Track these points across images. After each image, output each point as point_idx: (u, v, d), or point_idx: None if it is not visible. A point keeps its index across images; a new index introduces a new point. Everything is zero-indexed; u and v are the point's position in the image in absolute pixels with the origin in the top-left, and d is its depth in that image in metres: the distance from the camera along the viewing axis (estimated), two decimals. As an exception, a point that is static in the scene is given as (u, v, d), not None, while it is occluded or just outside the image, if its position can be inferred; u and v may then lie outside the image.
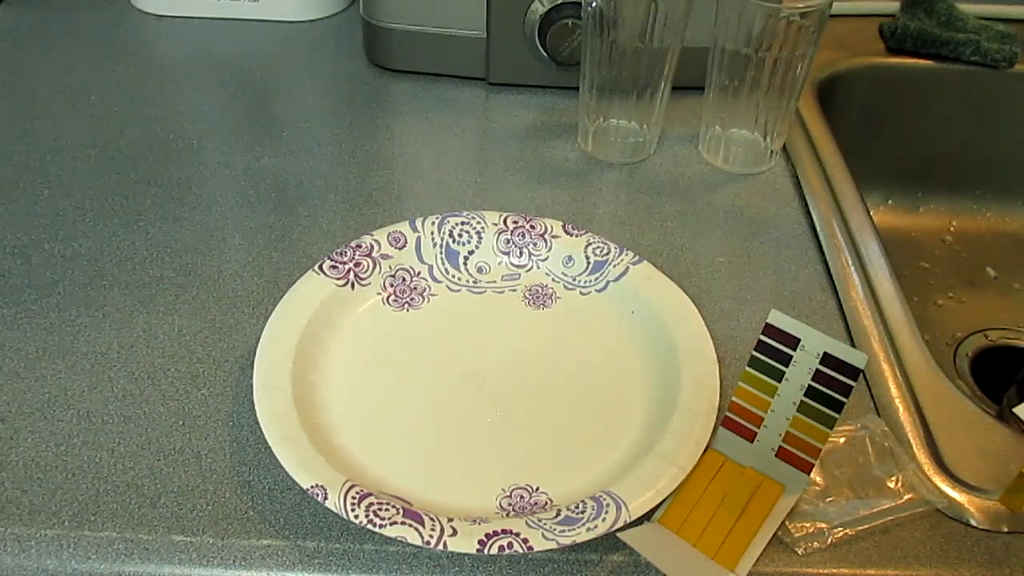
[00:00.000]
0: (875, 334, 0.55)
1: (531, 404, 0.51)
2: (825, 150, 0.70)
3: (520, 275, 0.58)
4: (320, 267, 0.55)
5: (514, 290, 0.57)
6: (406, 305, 0.56)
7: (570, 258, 0.58)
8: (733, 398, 0.47)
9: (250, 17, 0.84)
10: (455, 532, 0.42)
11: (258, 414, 0.47)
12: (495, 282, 0.58)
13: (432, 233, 0.58)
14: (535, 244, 0.58)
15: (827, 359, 0.45)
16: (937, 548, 0.45)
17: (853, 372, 0.44)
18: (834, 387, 0.45)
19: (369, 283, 0.56)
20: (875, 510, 0.46)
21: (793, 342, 0.45)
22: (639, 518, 0.44)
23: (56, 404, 0.50)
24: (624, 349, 0.54)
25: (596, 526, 0.43)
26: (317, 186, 0.66)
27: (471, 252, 0.58)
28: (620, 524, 0.43)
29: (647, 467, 0.46)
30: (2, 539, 0.44)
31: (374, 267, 0.56)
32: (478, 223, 0.59)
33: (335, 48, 0.81)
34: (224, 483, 0.47)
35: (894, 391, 0.52)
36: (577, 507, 0.44)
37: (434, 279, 0.57)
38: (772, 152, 0.69)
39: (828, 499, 0.46)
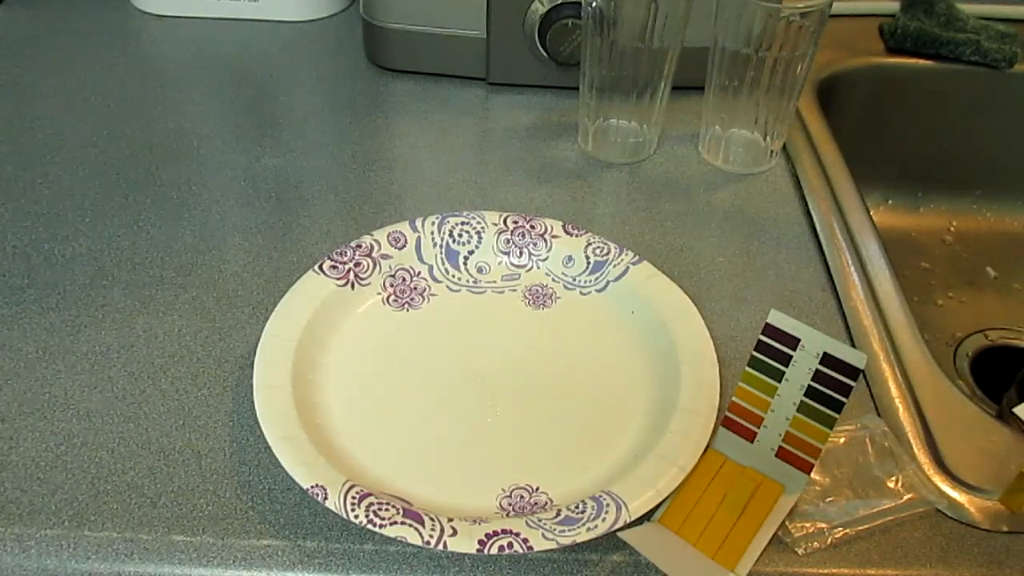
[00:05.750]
0: (875, 334, 0.55)
1: (531, 404, 0.51)
2: (825, 150, 0.70)
3: (520, 275, 0.58)
4: (320, 267, 0.55)
5: (514, 290, 0.57)
6: (406, 305, 0.56)
7: (570, 258, 0.58)
8: (733, 398, 0.47)
9: (250, 17, 0.84)
10: (455, 532, 0.42)
11: (258, 414, 0.47)
12: (495, 282, 0.58)
13: (432, 233, 0.58)
14: (535, 244, 0.58)
15: (827, 359, 0.45)
16: (937, 548, 0.45)
17: (853, 372, 0.44)
18: (834, 387, 0.45)
19: (369, 283, 0.56)
20: (875, 510, 0.46)
21: (793, 342, 0.45)
22: (639, 518, 0.44)
23: (56, 404, 0.50)
24: (624, 349, 0.54)
25: (596, 526, 0.43)
26: (317, 186, 0.66)
27: (471, 252, 0.58)
28: (620, 524, 0.43)
29: (647, 467, 0.46)
30: (2, 539, 0.44)
31: (374, 267, 0.56)
32: (478, 223, 0.59)
33: (335, 48, 0.81)
34: (224, 483, 0.47)
35: (894, 391, 0.52)
36: (577, 507, 0.44)
37: (434, 279, 0.57)
38: (772, 152, 0.69)
39: (828, 499, 0.46)
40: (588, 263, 0.57)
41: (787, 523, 0.45)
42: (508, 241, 0.58)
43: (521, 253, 0.58)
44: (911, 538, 0.46)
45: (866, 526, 0.46)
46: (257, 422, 0.47)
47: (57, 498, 0.46)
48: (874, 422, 0.50)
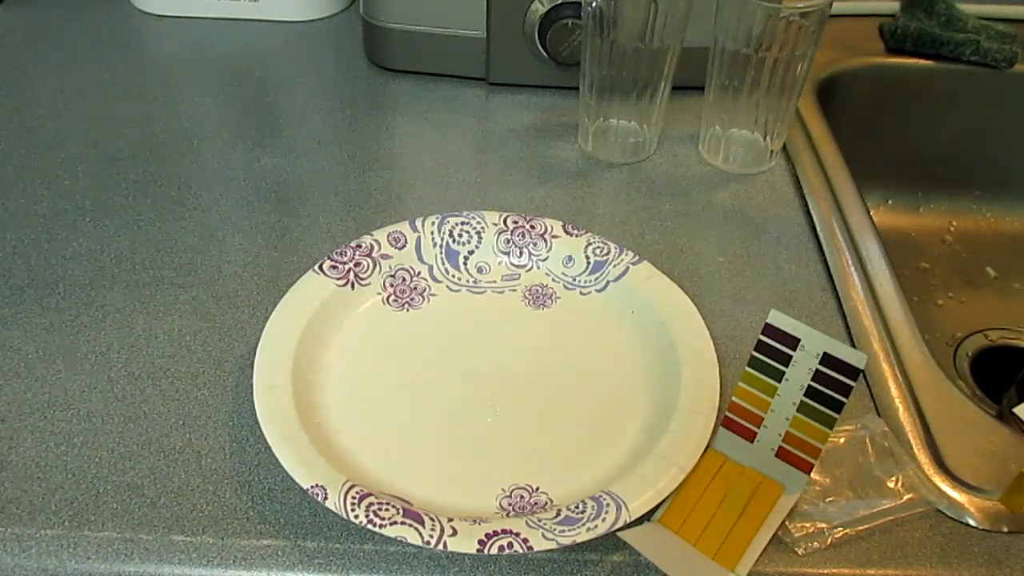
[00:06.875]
0: (875, 334, 0.55)
1: (531, 404, 0.51)
2: (825, 150, 0.70)
3: (520, 275, 0.58)
4: (320, 267, 0.55)
5: (514, 290, 0.57)
6: (406, 305, 0.56)
7: (570, 258, 0.58)
8: (733, 398, 0.47)
9: (250, 17, 0.84)
10: (455, 532, 0.42)
11: (258, 414, 0.47)
12: (495, 282, 0.58)
13: (432, 233, 0.58)
14: (535, 244, 0.58)
15: (827, 359, 0.45)
16: (937, 548, 0.45)
17: (853, 372, 0.44)
18: (834, 387, 0.45)
19: (369, 283, 0.56)
20: (875, 510, 0.46)
21: (793, 342, 0.45)
22: (639, 518, 0.44)
23: (56, 404, 0.50)
24: (624, 349, 0.54)
25: (596, 526, 0.43)
26: (317, 186, 0.66)
27: (471, 252, 0.58)
28: (620, 524, 0.43)
29: (647, 467, 0.46)
30: (2, 539, 0.44)
31: (374, 267, 0.56)
32: (478, 223, 0.59)
33: (335, 48, 0.81)
34: (224, 483, 0.47)
35: (894, 391, 0.52)
36: (577, 507, 0.44)
37: (434, 279, 0.57)
38: (772, 152, 0.69)
39: (828, 499, 0.46)
40: (588, 263, 0.57)
41: (787, 523, 0.45)
42: (508, 241, 0.58)
43: (521, 253, 0.58)
44: (911, 538, 0.46)
45: (866, 526, 0.46)
46: (257, 422, 0.47)
47: (57, 498, 0.46)
48: (874, 422, 0.50)
